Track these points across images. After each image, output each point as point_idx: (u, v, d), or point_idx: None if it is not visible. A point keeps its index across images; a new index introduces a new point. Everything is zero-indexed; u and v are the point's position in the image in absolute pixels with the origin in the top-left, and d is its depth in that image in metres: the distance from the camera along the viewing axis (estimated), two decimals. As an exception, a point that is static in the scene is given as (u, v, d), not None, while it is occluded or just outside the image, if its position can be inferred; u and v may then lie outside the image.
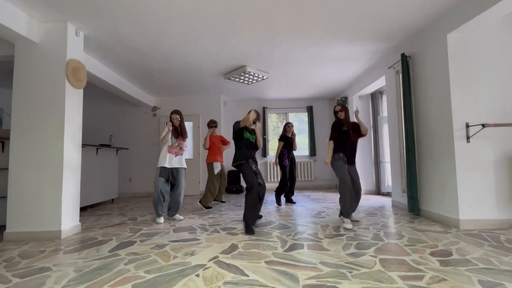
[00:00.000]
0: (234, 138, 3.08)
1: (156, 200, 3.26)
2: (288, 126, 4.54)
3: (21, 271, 1.84)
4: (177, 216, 3.40)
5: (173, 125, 3.47)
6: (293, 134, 4.58)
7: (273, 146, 6.74)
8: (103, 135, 6.04)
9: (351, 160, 3.04)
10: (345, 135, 3.02)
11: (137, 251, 2.18)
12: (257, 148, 3.16)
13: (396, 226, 2.78)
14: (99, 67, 4.02)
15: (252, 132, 3.13)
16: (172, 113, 3.51)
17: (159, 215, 3.28)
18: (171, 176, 3.37)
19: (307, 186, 6.63)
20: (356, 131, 3.07)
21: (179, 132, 3.48)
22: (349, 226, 2.73)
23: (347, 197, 2.84)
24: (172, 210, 3.41)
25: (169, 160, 3.33)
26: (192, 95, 6.16)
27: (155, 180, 3.29)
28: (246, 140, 3.04)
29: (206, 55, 3.94)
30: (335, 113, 3.15)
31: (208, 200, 4.10)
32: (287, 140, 4.45)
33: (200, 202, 4.11)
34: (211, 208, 4.12)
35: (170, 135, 3.39)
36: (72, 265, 1.91)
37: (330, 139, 3.08)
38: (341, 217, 2.90)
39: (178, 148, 3.43)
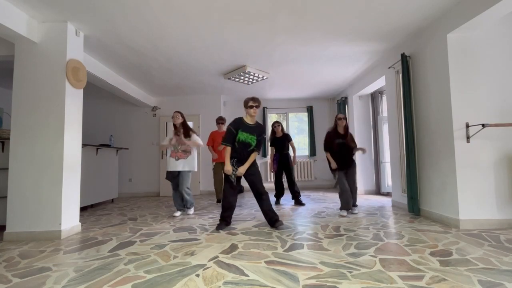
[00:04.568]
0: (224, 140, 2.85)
1: (172, 197, 3.69)
2: (274, 126, 4.31)
3: (21, 271, 1.83)
4: (188, 211, 3.73)
5: (173, 124, 3.67)
6: (283, 132, 4.34)
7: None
8: (103, 135, 6.04)
9: (347, 164, 3.52)
10: (339, 146, 3.51)
11: (137, 251, 2.18)
12: (252, 150, 2.87)
13: (396, 226, 2.78)
14: (99, 67, 4.02)
15: (251, 131, 2.85)
16: (174, 112, 3.69)
17: (176, 209, 3.68)
18: (177, 178, 3.61)
19: (307, 186, 6.63)
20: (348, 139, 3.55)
21: (178, 131, 3.62)
22: (344, 213, 3.41)
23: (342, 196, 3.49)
24: (184, 206, 3.73)
25: (170, 164, 3.59)
26: (192, 95, 6.16)
27: None
28: (238, 142, 2.83)
29: (206, 55, 3.94)
30: (338, 119, 3.56)
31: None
32: (276, 142, 4.29)
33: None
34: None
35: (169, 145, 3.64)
36: (72, 265, 1.91)
37: (326, 150, 3.61)
38: (340, 210, 3.51)
39: (180, 151, 3.58)
